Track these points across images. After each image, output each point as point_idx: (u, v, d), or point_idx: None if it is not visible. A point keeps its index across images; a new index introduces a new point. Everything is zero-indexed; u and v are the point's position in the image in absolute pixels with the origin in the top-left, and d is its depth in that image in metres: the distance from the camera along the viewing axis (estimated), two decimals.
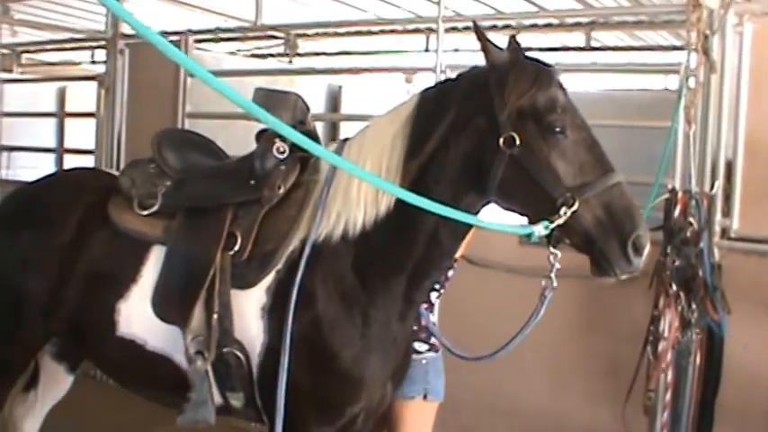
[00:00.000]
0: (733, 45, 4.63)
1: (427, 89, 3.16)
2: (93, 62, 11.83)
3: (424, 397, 3.71)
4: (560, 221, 2.72)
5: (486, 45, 2.87)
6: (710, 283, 4.25)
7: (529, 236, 2.79)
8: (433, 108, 2.98)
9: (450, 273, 3.71)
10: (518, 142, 2.76)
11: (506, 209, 2.95)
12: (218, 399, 3.19)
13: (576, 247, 2.82)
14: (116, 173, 3.70)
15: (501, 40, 2.97)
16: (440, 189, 2.89)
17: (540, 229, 2.75)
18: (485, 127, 2.83)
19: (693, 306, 4.22)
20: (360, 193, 2.99)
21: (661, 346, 4.25)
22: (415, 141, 2.96)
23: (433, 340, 3.72)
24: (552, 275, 2.88)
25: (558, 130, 2.77)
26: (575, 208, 2.70)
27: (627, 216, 2.73)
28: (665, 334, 4.24)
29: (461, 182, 2.91)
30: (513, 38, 2.93)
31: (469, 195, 2.93)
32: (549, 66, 2.92)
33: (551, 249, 2.84)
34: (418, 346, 3.68)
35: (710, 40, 4.53)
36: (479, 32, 2.89)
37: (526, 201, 2.85)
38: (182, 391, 3.18)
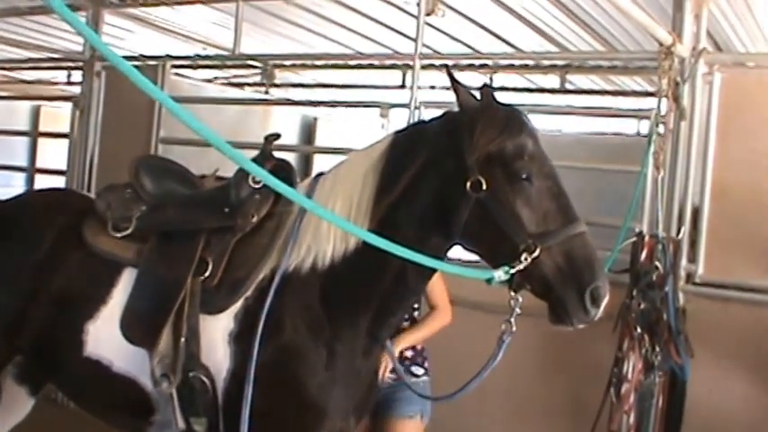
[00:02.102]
0: (702, 93, 4.73)
1: (402, 129, 3.19)
2: (70, 83, 11.79)
3: (421, 417, 3.93)
4: (520, 267, 2.74)
5: (457, 88, 2.90)
6: (675, 327, 4.30)
7: (489, 280, 2.81)
8: (406, 148, 3.01)
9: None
10: (485, 187, 2.78)
11: (471, 251, 2.98)
12: (181, 424, 3.17)
13: (536, 294, 2.83)
14: (90, 195, 3.69)
15: (477, 79, 3.01)
16: (407, 229, 2.92)
17: (501, 274, 2.77)
18: (453, 169, 2.85)
19: (657, 349, 4.26)
20: (330, 228, 3.01)
21: (624, 387, 4.28)
22: (386, 180, 2.98)
23: (427, 364, 3.97)
24: (512, 320, 2.89)
25: (524, 177, 2.79)
26: (535, 255, 2.72)
27: (586, 266, 2.75)
28: (629, 376, 4.27)
29: (428, 222, 2.93)
30: (485, 85, 2.97)
31: (435, 236, 2.95)
32: (520, 112, 2.94)
33: (512, 294, 2.85)
34: (415, 369, 3.97)
35: (681, 87, 4.63)
36: (451, 75, 2.93)
37: (489, 245, 2.87)
38: (144, 415, 3.18)
